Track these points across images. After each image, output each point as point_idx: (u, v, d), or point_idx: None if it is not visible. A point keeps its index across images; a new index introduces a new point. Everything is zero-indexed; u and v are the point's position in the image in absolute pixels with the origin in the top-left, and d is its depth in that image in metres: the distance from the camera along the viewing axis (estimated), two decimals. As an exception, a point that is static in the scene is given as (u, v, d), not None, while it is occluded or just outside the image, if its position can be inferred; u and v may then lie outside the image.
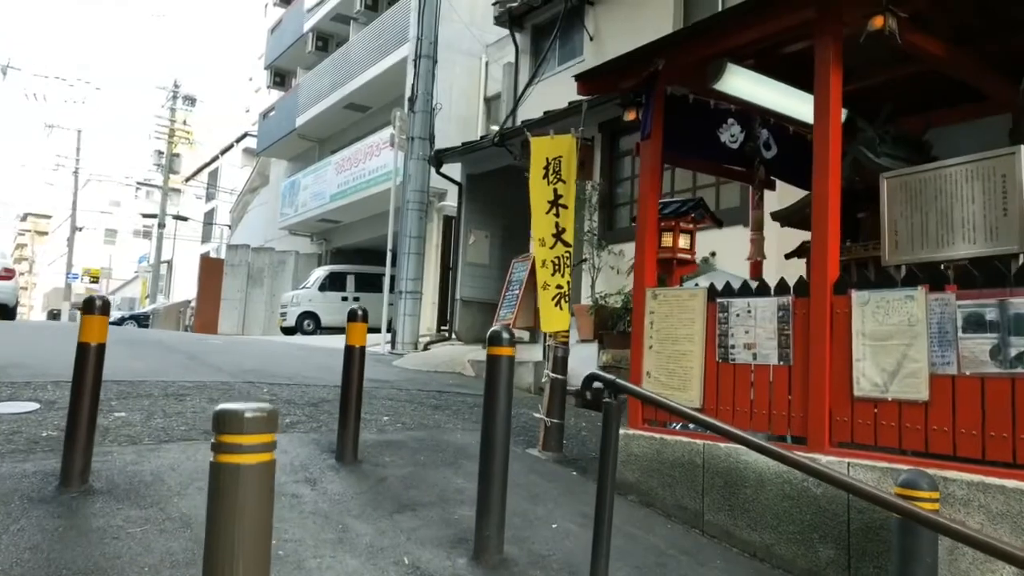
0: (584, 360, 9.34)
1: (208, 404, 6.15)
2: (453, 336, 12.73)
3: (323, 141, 25.93)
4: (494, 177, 12.72)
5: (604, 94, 5.62)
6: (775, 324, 4.26)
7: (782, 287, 4.30)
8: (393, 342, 13.29)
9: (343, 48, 22.79)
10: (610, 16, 11.49)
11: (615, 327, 9.20)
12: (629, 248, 9.42)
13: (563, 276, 5.70)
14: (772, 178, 6.61)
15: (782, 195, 6.53)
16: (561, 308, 5.68)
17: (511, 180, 12.84)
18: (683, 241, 5.36)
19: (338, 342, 16.31)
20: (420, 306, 13.48)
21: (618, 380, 3.19)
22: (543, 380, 5.86)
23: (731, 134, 5.87)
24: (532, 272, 10.91)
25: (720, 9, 9.99)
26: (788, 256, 6.45)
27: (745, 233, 8.23)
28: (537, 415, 5.87)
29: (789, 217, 5.20)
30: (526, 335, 10.59)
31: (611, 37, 11.39)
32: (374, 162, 19.60)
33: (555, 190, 5.79)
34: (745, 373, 4.40)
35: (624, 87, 5.55)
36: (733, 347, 4.49)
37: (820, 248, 4.07)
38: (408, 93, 18.69)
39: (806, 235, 6.37)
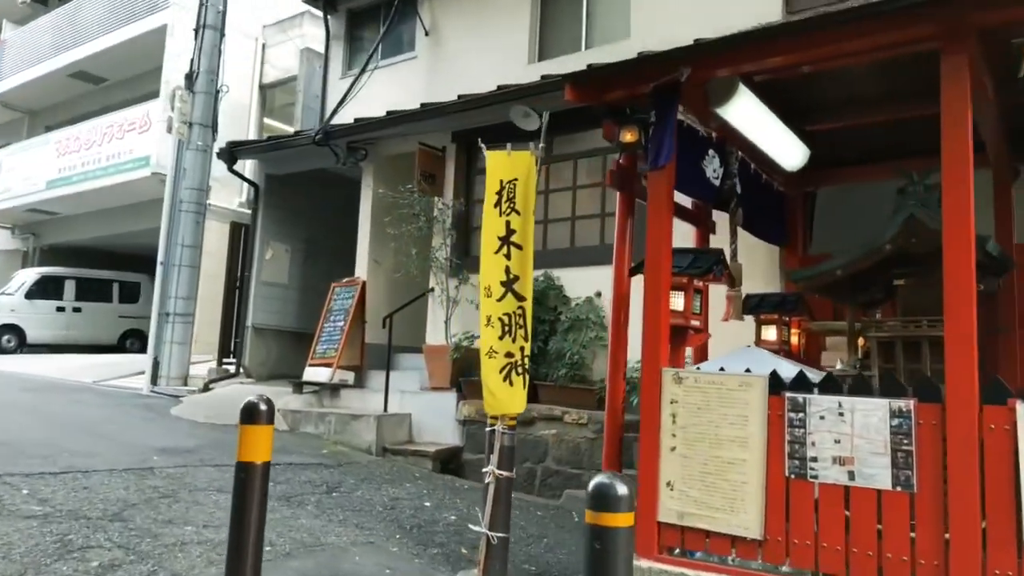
0: (437, 412, 7.82)
1: (-61, 537, 3.73)
2: (241, 372, 10.39)
3: (36, 113, 21.16)
4: (302, 181, 10.65)
5: (595, 104, 4.26)
6: (887, 435, 3.20)
7: (893, 384, 3.26)
8: (155, 377, 10.58)
9: (73, 3, 18.64)
10: (452, 10, 10.07)
11: (470, 373, 7.77)
12: (491, 281, 8.09)
13: (515, 340, 4.21)
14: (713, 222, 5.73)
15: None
16: (513, 384, 4.18)
17: (324, 185, 10.90)
18: (696, 304, 4.17)
19: (67, 368, 12.85)
20: (193, 332, 10.90)
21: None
22: (486, 480, 4.31)
23: (713, 168, 4.81)
24: (361, 301, 9.13)
25: (584, 12, 9.06)
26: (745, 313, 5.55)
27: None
28: (477, 528, 4.29)
29: (814, 280, 4.24)
30: (350, 376, 8.79)
31: (454, 34, 9.97)
32: (115, 146, 16.09)
33: (508, 223, 4.29)
34: (835, 497, 3.30)
35: (613, 98, 4.25)
36: (814, 460, 3.37)
37: (959, 338, 3.09)
38: (165, 69, 15.68)
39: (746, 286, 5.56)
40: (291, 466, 6.50)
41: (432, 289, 8.51)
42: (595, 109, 4.56)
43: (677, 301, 4.03)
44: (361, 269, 9.34)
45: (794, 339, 5.50)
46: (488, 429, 4.47)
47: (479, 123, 8.36)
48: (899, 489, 3.17)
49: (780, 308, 5.34)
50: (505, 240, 4.29)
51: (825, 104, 5.19)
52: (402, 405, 8.05)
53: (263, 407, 3.17)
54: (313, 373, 8.80)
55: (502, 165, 4.30)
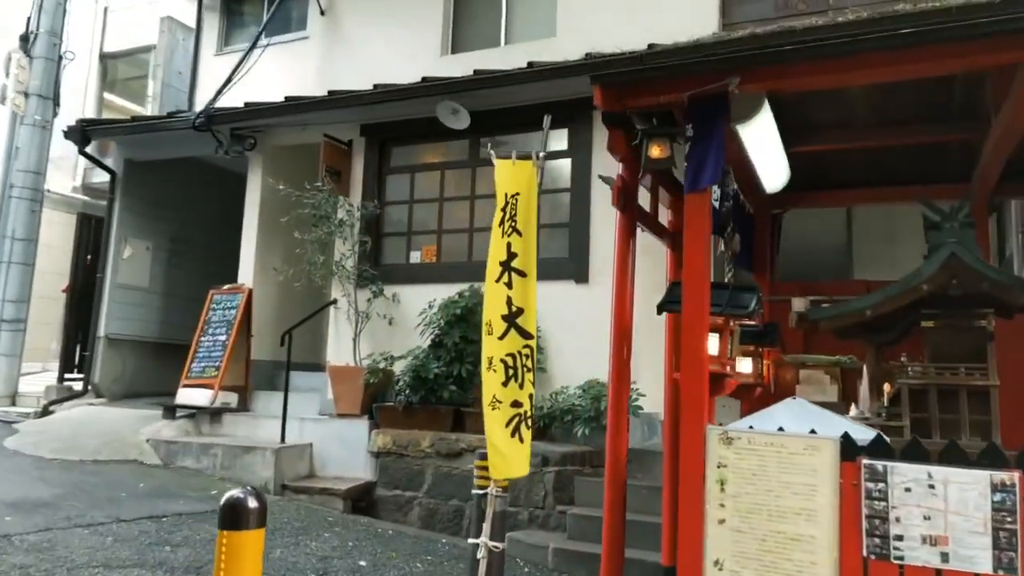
0: (345, 442, 6.93)
1: None
2: (90, 390, 8.84)
3: None
4: (171, 169, 9.25)
5: (615, 111, 3.62)
6: (987, 512, 2.83)
7: (994, 453, 2.90)
8: (-25, 395, 8.81)
9: None
10: (353, -11, 9.09)
11: (383, 398, 6.93)
12: (406, 292, 7.29)
13: (523, 386, 3.54)
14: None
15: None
16: (523, 439, 3.51)
17: (198, 176, 9.58)
18: (730, 347, 3.67)
19: None
20: (24, 341, 9.19)
21: None
22: (479, 554, 3.60)
23: (714, 190, 4.36)
24: (246, 311, 7.98)
25: (504, 4, 8.41)
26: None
27: (570, 288, 6.79)
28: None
29: (838, 319, 3.85)
30: (233, 399, 7.68)
31: (354, 16, 8.98)
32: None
33: (508, 245, 3.61)
34: (924, 581, 2.90)
35: (636, 105, 3.65)
36: (899, 538, 2.94)
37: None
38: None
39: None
40: (183, 517, 5.41)
41: (335, 301, 7.55)
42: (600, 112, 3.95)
43: (712, 344, 3.51)
44: (246, 274, 8.17)
45: (764, 371, 5.19)
46: (477, 492, 3.76)
47: (395, 116, 7.55)
48: (1002, 573, 2.80)
49: (758, 339, 4.99)
50: (506, 266, 3.60)
51: (812, 126, 4.90)
52: (301, 434, 7.06)
53: (253, 503, 2.30)
54: (189, 395, 7.57)
55: (507, 176, 3.60)
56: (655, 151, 3.52)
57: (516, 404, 3.47)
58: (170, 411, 7.59)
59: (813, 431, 3.16)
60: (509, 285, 3.56)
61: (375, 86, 7.23)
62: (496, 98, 6.98)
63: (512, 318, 3.54)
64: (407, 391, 6.65)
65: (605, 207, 6.64)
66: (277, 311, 8.34)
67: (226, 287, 8.09)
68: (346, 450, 6.88)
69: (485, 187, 7.29)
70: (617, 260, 4.12)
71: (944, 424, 3.69)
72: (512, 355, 3.49)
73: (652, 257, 6.60)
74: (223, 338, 7.73)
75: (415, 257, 7.43)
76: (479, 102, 7.02)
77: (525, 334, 3.56)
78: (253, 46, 8.29)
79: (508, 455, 3.44)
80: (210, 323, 7.91)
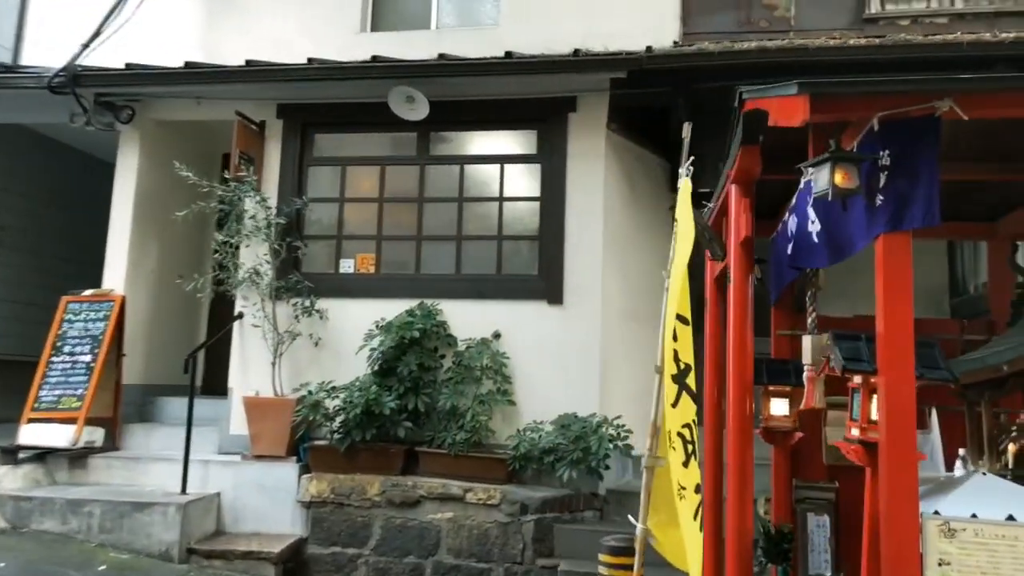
0: (265, 490, 5.76)
1: None
2: None
3: None
4: (14, 137, 7.21)
5: (788, 125, 2.97)
6: None
7: None
8: None
9: None
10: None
11: (307, 436, 5.77)
12: (337, 308, 6.18)
13: (701, 465, 2.84)
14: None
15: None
16: (702, 528, 2.79)
17: (24, 148, 7.58)
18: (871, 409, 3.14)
19: None
20: None
21: None
22: None
23: (793, 223, 3.92)
24: (118, 325, 6.33)
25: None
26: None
27: (542, 309, 6.04)
28: None
29: (971, 372, 3.51)
30: (99, 436, 6.16)
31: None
32: None
33: (668, 284, 2.88)
34: None
35: (806, 121, 3.06)
36: None
37: None
38: None
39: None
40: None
41: (240, 315, 6.20)
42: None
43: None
44: (115, 278, 6.48)
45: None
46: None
47: (322, 98, 6.38)
48: None
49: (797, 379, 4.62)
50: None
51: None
52: (205, 480, 5.70)
53: None
54: (39, 432, 5.84)
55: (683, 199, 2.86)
56: (840, 178, 2.94)
57: (698, 489, 2.75)
58: (10, 454, 5.81)
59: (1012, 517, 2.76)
60: (675, 336, 2.81)
61: (309, 60, 6.02)
62: (454, 89, 6.08)
63: (682, 378, 2.80)
64: (350, 428, 5.56)
65: (583, 219, 6.03)
66: (148, 324, 6.77)
67: (88, 293, 6.37)
68: (267, 500, 5.65)
69: (436, 188, 6.34)
70: (735, 301, 3.51)
71: (1076, 487, 3.50)
72: (688, 426, 2.76)
73: (620, 280, 6.11)
74: (87, 358, 6.07)
75: (347, 266, 6.29)
76: (433, 92, 6.07)
77: (694, 395, 2.84)
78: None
79: (699, 553, 2.69)
80: (65, 338, 6.18)
